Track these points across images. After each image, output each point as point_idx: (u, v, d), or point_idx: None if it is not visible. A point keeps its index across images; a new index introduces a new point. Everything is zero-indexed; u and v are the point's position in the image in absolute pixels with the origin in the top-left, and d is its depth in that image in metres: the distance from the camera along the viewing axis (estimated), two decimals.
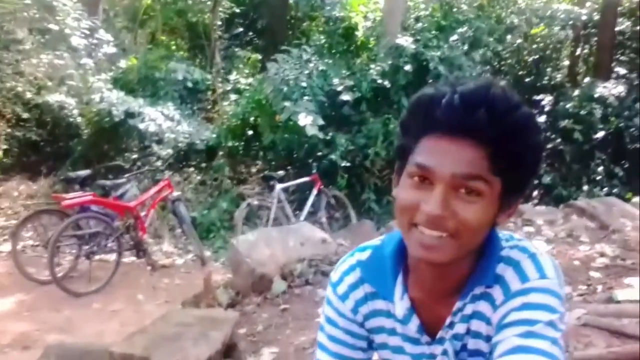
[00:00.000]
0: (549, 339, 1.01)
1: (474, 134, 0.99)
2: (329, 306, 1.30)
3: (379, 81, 8.87)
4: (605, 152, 9.89)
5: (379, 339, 1.28)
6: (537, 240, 5.06)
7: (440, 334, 1.19)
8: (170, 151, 9.35)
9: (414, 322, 1.20)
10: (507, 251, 1.13)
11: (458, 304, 1.15)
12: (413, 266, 1.17)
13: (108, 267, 6.06)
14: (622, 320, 2.99)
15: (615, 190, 9.02)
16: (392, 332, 1.25)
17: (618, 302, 3.34)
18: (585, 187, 9.39)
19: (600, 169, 9.74)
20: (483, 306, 1.14)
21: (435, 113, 1.02)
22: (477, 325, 1.16)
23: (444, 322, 1.18)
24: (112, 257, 6.20)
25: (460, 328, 1.17)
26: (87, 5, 10.62)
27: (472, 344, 1.18)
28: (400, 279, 1.19)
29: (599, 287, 3.72)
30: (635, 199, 6.55)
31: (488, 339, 1.14)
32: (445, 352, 1.20)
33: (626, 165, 9.84)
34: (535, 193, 9.35)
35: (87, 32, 10.11)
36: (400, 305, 1.20)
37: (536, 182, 9.39)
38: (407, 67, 8.71)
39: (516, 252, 1.12)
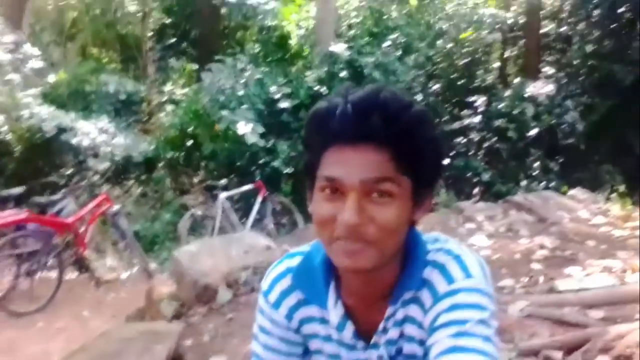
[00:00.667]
0: (481, 336, 1.01)
1: (372, 138, 1.00)
2: (261, 315, 1.27)
3: (316, 88, 8.92)
4: (539, 148, 10.21)
5: (314, 344, 1.27)
6: (478, 235, 5.15)
7: (374, 339, 1.19)
8: (107, 165, 9.11)
9: (349, 329, 1.19)
10: (433, 254, 1.13)
11: (389, 310, 1.15)
12: (342, 274, 1.16)
13: (50, 285, 5.88)
14: (563, 309, 3.05)
15: (552, 184, 9.33)
16: (328, 338, 1.24)
17: (559, 292, 3.41)
18: (523, 183, 9.66)
19: (536, 164, 10.07)
20: (414, 310, 1.14)
21: (331, 125, 1.02)
22: (410, 329, 1.16)
23: (378, 327, 1.17)
24: (54, 274, 6.03)
25: (393, 333, 1.17)
26: (10, 20, 10.27)
27: (407, 348, 1.18)
28: (332, 286, 1.18)
29: (541, 279, 3.80)
30: (571, 192, 6.76)
31: (421, 342, 1.14)
32: (380, 358, 1.20)
33: (560, 160, 10.21)
34: (475, 190, 9.56)
35: (12, 46, 9.78)
36: (335, 312, 1.19)
37: (476, 179, 9.62)
38: (343, 74, 8.81)
39: (441, 255, 1.13)
